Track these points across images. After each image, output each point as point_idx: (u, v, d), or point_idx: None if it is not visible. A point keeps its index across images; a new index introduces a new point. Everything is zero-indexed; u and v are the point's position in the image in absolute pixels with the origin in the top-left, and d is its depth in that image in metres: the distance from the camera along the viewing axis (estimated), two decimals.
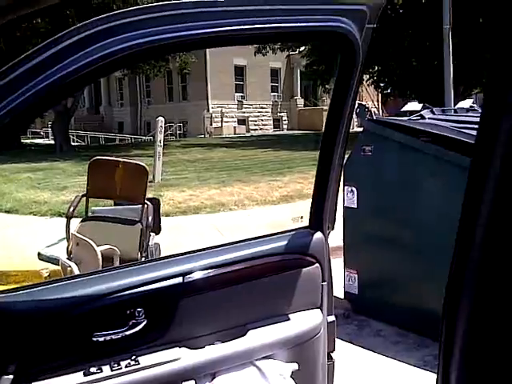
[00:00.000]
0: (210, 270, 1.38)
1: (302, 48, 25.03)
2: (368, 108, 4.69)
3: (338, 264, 4.07)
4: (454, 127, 3.70)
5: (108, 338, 1.21)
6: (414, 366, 3.13)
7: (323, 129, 1.49)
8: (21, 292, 1.19)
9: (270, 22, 1.15)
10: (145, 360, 1.25)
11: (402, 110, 21.70)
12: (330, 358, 1.63)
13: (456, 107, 6.60)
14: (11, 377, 1.11)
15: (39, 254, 4.61)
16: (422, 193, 3.65)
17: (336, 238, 4.19)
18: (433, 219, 3.57)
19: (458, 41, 15.12)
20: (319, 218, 1.54)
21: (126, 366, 1.22)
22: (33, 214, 8.30)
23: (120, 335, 1.22)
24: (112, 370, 1.20)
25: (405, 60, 18.32)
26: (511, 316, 0.55)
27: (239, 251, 1.45)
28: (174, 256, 1.41)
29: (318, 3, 1.23)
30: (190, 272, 1.34)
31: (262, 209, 7.87)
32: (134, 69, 22.04)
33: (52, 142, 23.83)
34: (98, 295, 1.22)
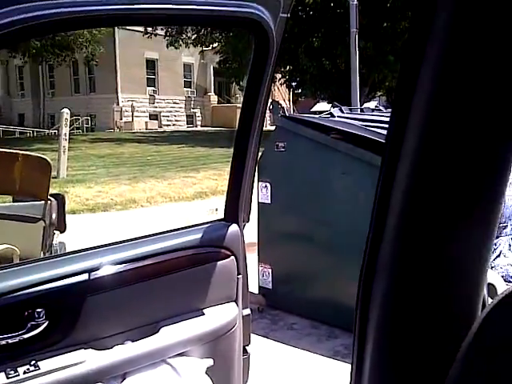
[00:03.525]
0: (118, 266, 1.30)
1: (215, 44, 25.01)
2: (281, 105, 4.78)
3: (253, 259, 4.10)
4: (362, 125, 3.86)
5: (3, 342, 1.09)
6: (326, 356, 3.22)
7: (237, 122, 1.47)
8: None
9: (181, 4, 1.11)
10: (46, 364, 1.14)
11: (312, 109, 22.51)
12: (245, 351, 1.61)
13: (362, 107, 6.93)
14: None
15: None
16: (333, 189, 3.76)
17: (251, 233, 4.21)
18: (343, 215, 3.70)
19: (364, 44, 15.95)
20: (234, 210, 1.52)
21: (25, 372, 1.10)
22: None
23: (17, 339, 1.11)
24: (8, 378, 1.08)
25: (316, 60, 18.95)
26: (421, 305, 0.57)
27: (150, 245, 1.38)
28: (78, 251, 1.31)
29: None
30: (96, 268, 1.25)
31: (176, 205, 7.72)
32: (34, 56, 20.66)
33: None
34: None
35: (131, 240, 1.39)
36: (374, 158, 3.27)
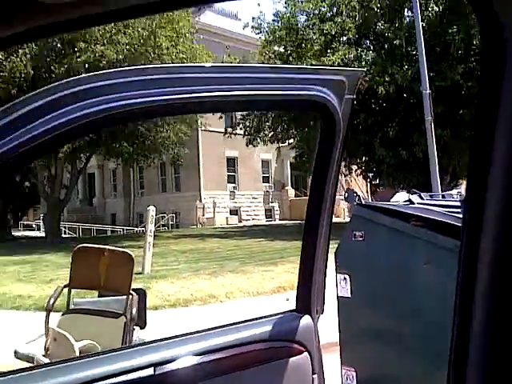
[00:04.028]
0: (185, 361, 1.24)
1: (291, 140, 25.95)
2: (356, 193, 4.71)
3: (335, 360, 3.81)
4: (444, 211, 3.68)
5: None
6: None
7: (306, 208, 1.44)
8: None
9: (250, 90, 1.15)
10: None
11: (392, 200, 22.03)
12: None
13: (443, 193, 6.67)
14: None
15: (15, 351, 4.32)
16: (417, 279, 3.53)
17: (332, 331, 3.96)
18: (430, 308, 3.41)
19: (441, 131, 15.79)
20: (306, 300, 1.44)
21: None
22: (15, 309, 7.98)
23: None
24: None
25: (392, 150, 18.91)
26: None
27: (220, 337, 1.31)
28: (144, 344, 1.28)
29: (297, 73, 1.25)
30: (162, 362, 1.20)
31: (255, 300, 7.61)
32: (127, 160, 22.54)
33: (43, 234, 23.66)
34: None
35: (198, 332, 1.34)
36: (459, 245, 3.06)
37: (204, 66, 1.12)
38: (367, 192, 30.31)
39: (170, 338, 1.31)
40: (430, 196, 4.76)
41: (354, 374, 3.78)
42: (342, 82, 1.31)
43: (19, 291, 9.06)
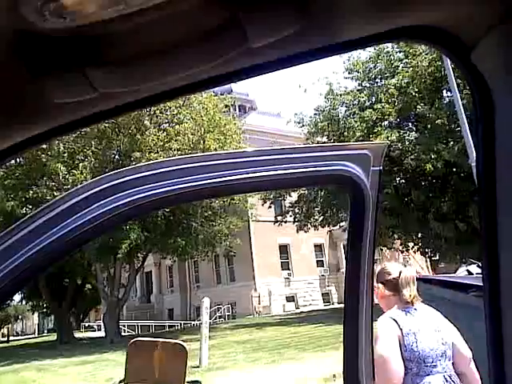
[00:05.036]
0: None
1: (342, 223, 25.73)
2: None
3: None
4: None
5: None
6: None
7: (344, 286, 1.43)
8: None
9: (281, 169, 1.22)
10: None
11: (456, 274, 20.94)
12: None
13: None
14: None
15: None
16: (482, 352, 3.28)
17: None
18: None
19: None
20: (355, 378, 1.38)
21: None
22: None
23: None
24: None
25: (447, 223, 18.34)
26: None
27: None
28: None
29: (323, 151, 1.32)
30: None
31: None
32: (181, 255, 23.01)
33: (104, 334, 23.88)
34: None
35: None
36: None
37: (245, 151, 1.22)
38: (427, 268, 29.01)
39: None
40: None
41: None
42: (366, 156, 1.36)
43: None
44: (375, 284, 2.69)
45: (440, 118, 17.77)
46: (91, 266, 22.11)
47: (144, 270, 33.18)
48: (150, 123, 20.04)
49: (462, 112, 12.39)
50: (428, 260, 27.57)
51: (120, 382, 3.92)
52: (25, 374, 12.84)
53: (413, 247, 22.55)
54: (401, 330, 2.44)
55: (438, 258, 23.73)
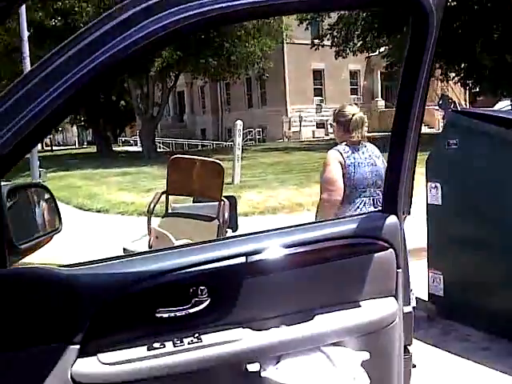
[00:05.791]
0: (275, 251, 1.33)
1: (382, 49, 24.38)
2: (451, 99, 4.44)
3: (422, 266, 3.86)
4: None
5: (172, 314, 1.20)
6: (509, 374, 2.88)
7: (395, 108, 1.39)
8: (87, 266, 1.22)
9: None
10: (208, 339, 1.22)
11: (494, 108, 20.35)
12: (406, 351, 1.52)
13: None
14: (78, 347, 1.14)
15: (124, 249, 4.84)
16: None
17: (420, 238, 3.98)
18: None
19: None
20: (393, 201, 1.45)
21: (189, 343, 1.20)
22: (121, 214, 8.79)
23: (183, 312, 1.20)
24: (175, 346, 1.19)
25: (495, 54, 17.16)
26: None
27: (307, 233, 1.39)
28: (238, 236, 1.39)
29: None
30: (254, 252, 1.30)
31: None
32: (213, 75, 22.68)
33: (140, 149, 25.12)
34: (162, 271, 1.22)
35: (289, 227, 1.42)
36: None
37: None
38: (465, 101, 28.19)
39: (260, 232, 1.39)
40: None
41: (441, 277, 3.81)
42: None
43: (122, 199, 9.90)
44: (332, 122, 3.26)
45: None
46: (124, 83, 22.16)
47: (176, 90, 33.26)
48: None
49: None
50: (467, 92, 26.60)
51: (162, 193, 4.23)
52: (70, 180, 13.97)
53: (453, 78, 21.58)
54: (344, 161, 2.92)
55: (478, 90, 22.81)
